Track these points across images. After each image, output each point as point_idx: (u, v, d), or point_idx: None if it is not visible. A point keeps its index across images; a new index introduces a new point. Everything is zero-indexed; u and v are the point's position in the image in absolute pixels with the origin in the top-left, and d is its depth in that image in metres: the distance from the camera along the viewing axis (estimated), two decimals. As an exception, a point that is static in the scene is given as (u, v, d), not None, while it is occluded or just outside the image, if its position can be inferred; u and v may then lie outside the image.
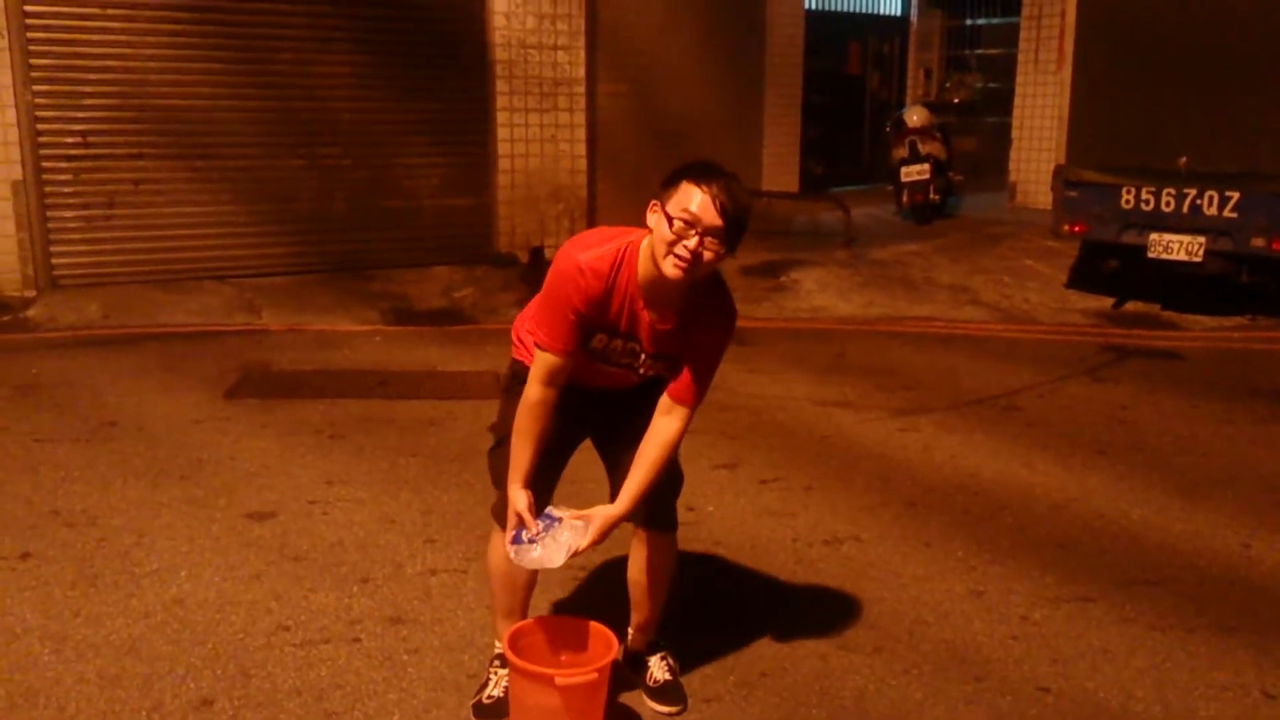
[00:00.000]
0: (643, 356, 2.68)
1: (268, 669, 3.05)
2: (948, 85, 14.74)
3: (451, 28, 8.67)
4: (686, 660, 3.09)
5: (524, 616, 2.89)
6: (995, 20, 14.50)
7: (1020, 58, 12.19)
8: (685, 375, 2.64)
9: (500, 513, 2.77)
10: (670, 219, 2.45)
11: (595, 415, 2.85)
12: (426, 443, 4.96)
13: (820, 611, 3.48)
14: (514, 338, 2.88)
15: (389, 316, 7.47)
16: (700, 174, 2.47)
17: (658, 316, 2.60)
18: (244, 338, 6.84)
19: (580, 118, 8.92)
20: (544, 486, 2.73)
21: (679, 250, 2.45)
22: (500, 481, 2.75)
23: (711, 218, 2.43)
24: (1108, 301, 8.05)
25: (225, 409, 5.38)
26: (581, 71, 8.84)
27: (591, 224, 9.11)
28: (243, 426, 5.10)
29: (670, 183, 2.49)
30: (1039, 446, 5.03)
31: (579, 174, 9.00)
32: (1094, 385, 6.12)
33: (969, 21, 15.12)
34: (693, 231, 2.43)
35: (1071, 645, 3.28)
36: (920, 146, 11.26)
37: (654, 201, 2.51)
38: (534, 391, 2.61)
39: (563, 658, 2.77)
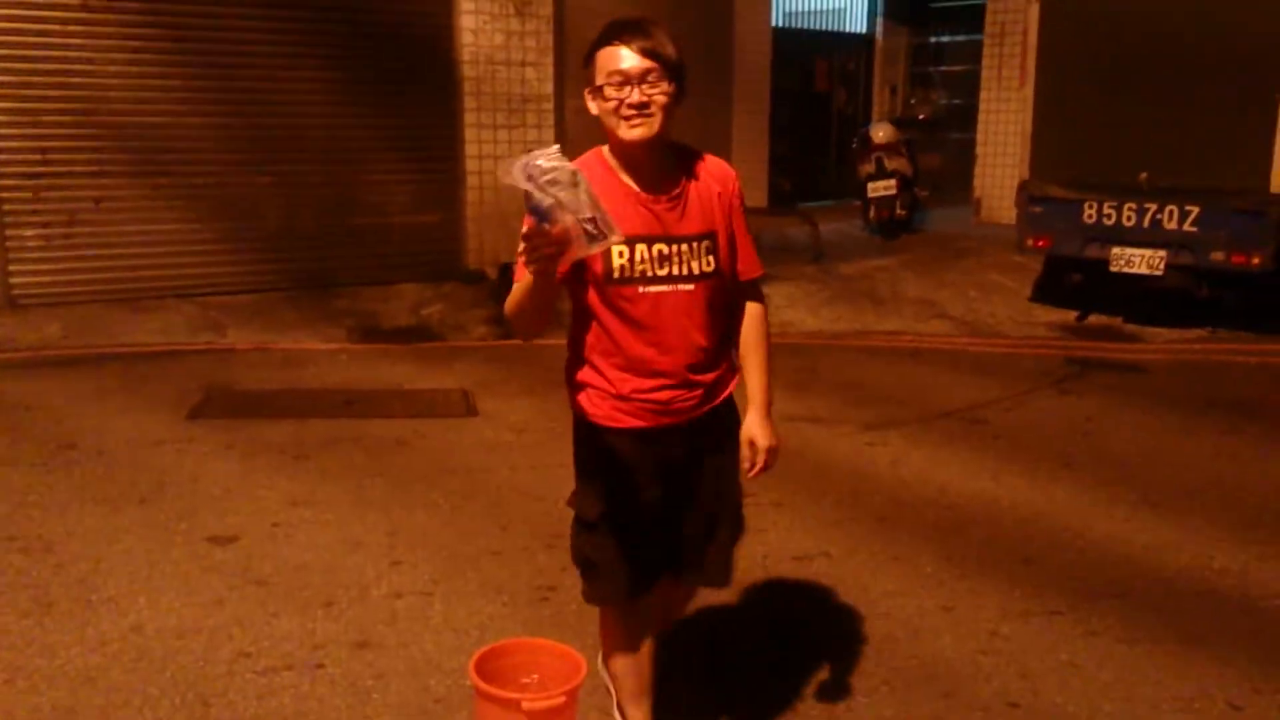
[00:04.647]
0: (677, 249, 2.42)
1: (228, 697, 2.99)
2: (913, 102, 14.89)
3: (419, 44, 8.64)
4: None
5: (653, 690, 2.73)
6: (959, 37, 14.65)
7: (984, 74, 12.31)
8: (736, 247, 2.55)
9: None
10: (602, 89, 2.32)
11: (661, 480, 2.55)
12: (393, 462, 4.91)
13: (791, 629, 3.47)
14: (567, 380, 2.57)
15: (356, 334, 7.41)
16: (610, 34, 2.32)
17: (655, 188, 2.40)
18: (208, 357, 6.76)
19: (549, 134, 8.90)
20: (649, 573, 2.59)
21: (625, 111, 2.31)
22: (582, 563, 2.63)
23: (640, 65, 2.29)
24: (1071, 314, 8.12)
25: (188, 430, 5.30)
26: (550, 88, 8.84)
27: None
28: (206, 447, 5.03)
29: (589, 60, 2.35)
30: (1006, 460, 5.05)
31: (547, 190, 8.97)
32: (1059, 398, 6.16)
33: (933, 39, 15.29)
34: (629, 87, 2.30)
35: (1040, 660, 3.29)
36: (886, 162, 11.34)
37: (585, 90, 2.40)
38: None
39: (529, 682, 2.73)
